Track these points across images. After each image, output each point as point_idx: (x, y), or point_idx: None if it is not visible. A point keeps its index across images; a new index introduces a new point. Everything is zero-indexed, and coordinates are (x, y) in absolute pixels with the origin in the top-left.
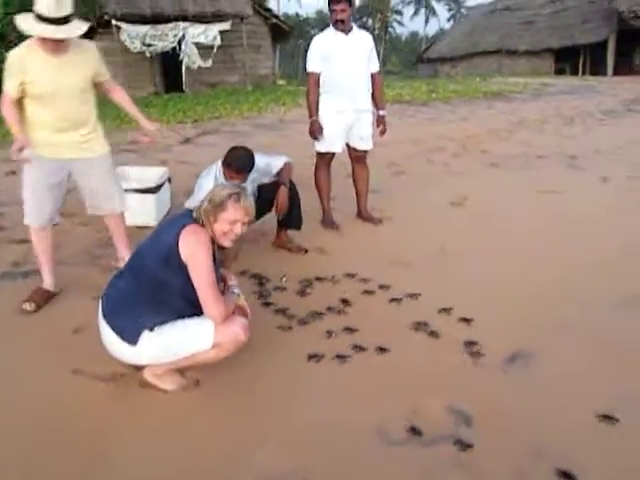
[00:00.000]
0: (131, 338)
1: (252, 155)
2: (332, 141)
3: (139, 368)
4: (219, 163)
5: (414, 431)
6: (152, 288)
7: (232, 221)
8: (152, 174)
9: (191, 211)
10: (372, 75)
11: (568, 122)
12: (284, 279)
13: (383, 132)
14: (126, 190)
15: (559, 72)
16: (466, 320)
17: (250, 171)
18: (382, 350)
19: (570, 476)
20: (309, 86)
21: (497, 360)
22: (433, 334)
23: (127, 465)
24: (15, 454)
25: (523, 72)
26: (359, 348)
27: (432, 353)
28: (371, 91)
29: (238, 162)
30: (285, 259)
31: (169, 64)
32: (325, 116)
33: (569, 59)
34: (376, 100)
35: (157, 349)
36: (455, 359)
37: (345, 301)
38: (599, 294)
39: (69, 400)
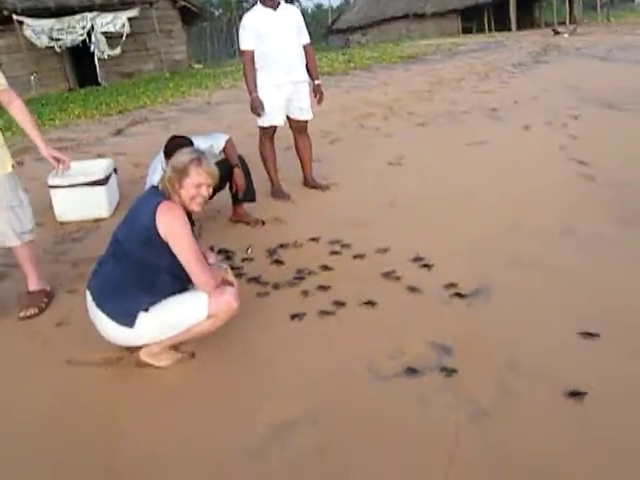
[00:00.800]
0: (128, 321)
1: (191, 141)
2: (273, 115)
3: (133, 350)
4: (161, 153)
5: (410, 370)
6: (139, 271)
7: (197, 185)
8: (97, 166)
9: (156, 187)
10: (304, 47)
11: (483, 77)
12: (250, 250)
13: (321, 100)
14: (74, 185)
15: (466, 31)
16: (427, 266)
17: None
18: (361, 302)
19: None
20: (245, 64)
21: (461, 296)
22: (401, 280)
23: (142, 438)
24: (29, 447)
25: (432, 34)
26: (339, 303)
27: (405, 298)
28: (305, 63)
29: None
30: (245, 232)
31: (81, 58)
32: (264, 91)
33: (475, 18)
34: (310, 71)
35: (155, 328)
36: (426, 301)
37: (314, 263)
38: (540, 228)
39: (71, 389)
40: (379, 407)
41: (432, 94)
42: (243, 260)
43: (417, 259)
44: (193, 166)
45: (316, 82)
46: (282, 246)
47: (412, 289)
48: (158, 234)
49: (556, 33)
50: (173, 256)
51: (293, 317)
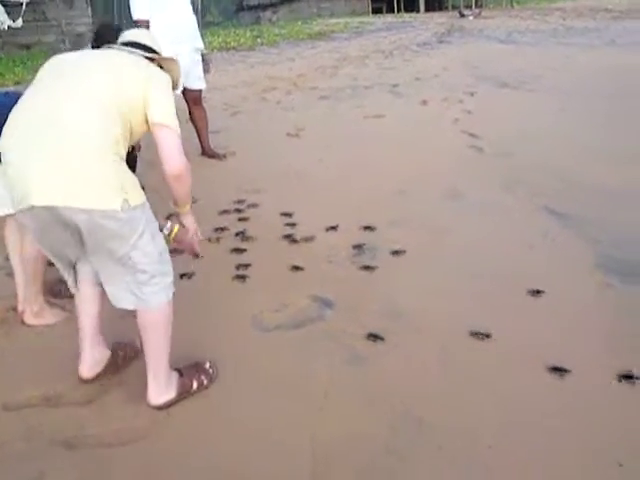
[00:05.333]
0: None
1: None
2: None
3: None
4: None
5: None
6: None
7: None
8: None
9: None
10: None
11: (388, 55)
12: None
13: (208, 70)
14: None
15: (376, 12)
16: (294, 225)
17: None
18: (241, 267)
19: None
20: None
21: (346, 255)
22: (293, 240)
23: (31, 382)
24: None
25: (342, 14)
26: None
27: (291, 257)
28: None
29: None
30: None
31: None
32: None
33: None
34: None
35: None
36: (313, 259)
37: (223, 229)
38: (426, 193)
39: None
40: (261, 355)
41: (336, 70)
42: None
43: (295, 219)
44: None
45: (204, 51)
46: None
47: (303, 247)
48: None
49: (462, 16)
50: None
51: (182, 276)
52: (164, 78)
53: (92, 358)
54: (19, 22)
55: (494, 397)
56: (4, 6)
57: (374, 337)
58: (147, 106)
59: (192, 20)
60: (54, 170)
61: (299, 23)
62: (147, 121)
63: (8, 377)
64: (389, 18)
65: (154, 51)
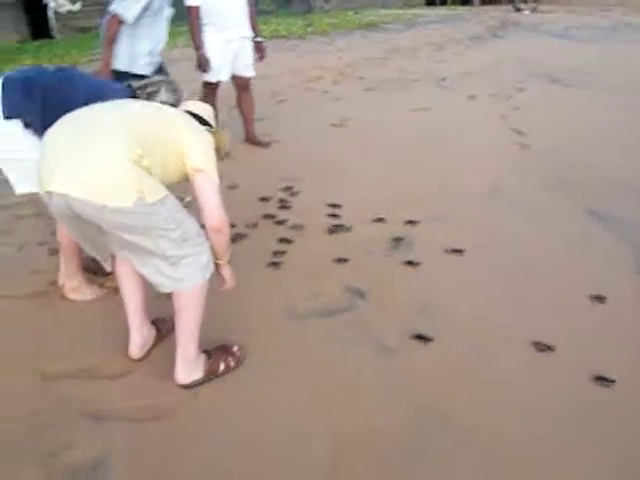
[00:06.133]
0: None
1: None
2: (220, 70)
3: (56, 284)
4: None
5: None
6: None
7: None
8: None
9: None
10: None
11: (439, 48)
12: (188, 199)
13: (262, 57)
14: None
15: (430, 3)
16: (341, 217)
17: None
18: (278, 254)
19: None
20: (192, 20)
21: (385, 247)
22: (331, 230)
23: (68, 354)
24: None
25: (395, 5)
26: (279, 253)
27: (328, 247)
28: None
29: None
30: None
31: (34, 10)
32: (213, 46)
33: None
34: (253, 27)
35: None
36: (350, 250)
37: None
38: (468, 189)
39: None
40: (289, 341)
41: (386, 61)
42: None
43: (336, 209)
44: None
45: (258, 39)
46: None
47: (338, 238)
48: None
49: (517, 10)
50: None
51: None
52: (207, 136)
53: (141, 338)
54: (77, 5)
55: (525, 400)
56: None
57: (407, 332)
58: (186, 152)
59: (242, 7)
60: (75, 167)
61: (351, 13)
62: (180, 169)
63: (47, 348)
64: (443, 10)
65: (207, 123)
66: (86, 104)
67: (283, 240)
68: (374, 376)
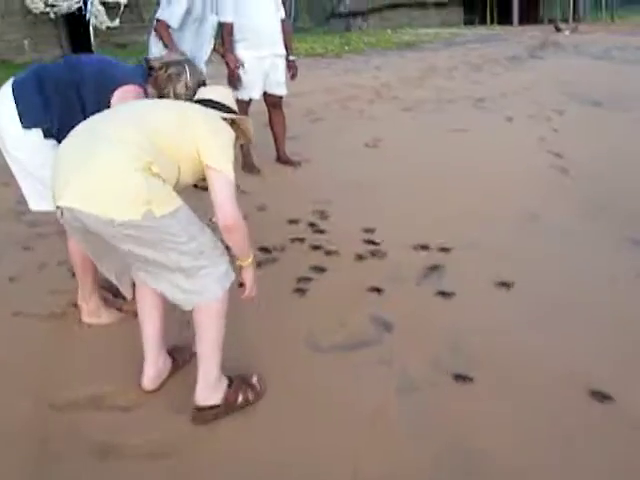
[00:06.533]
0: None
1: None
2: (251, 88)
3: (76, 305)
4: None
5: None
6: None
7: None
8: None
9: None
10: (281, 21)
11: (476, 69)
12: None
13: (294, 76)
14: None
15: (468, 23)
16: (374, 243)
17: None
18: (304, 280)
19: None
20: (225, 36)
21: (417, 276)
22: (360, 255)
23: (79, 381)
24: None
25: (434, 24)
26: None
27: (357, 273)
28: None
29: None
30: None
31: (75, 25)
32: (245, 63)
33: (478, 10)
34: (287, 46)
35: None
36: (374, 279)
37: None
38: (502, 214)
39: (12, 337)
40: (310, 375)
41: (422, 81)
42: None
43: (367, 234)
44: None
45: (291, 57)
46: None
47: (367, 265)
48: None
49: (557, 30)
50: None
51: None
52: (225, 129)
53: (156, 371)
54: (116, 22)
55: (570, 449)
56: (105, 8)
57: (434, 367)
58: (201, 149)
59: (276, 25)
60: (83, 180)
61: (389, 32)
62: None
63: (60, 373)
64: (481, 30)
65: (230, 109)
66: (96, 92)
67: (308, 264)
68: (398, 415)
